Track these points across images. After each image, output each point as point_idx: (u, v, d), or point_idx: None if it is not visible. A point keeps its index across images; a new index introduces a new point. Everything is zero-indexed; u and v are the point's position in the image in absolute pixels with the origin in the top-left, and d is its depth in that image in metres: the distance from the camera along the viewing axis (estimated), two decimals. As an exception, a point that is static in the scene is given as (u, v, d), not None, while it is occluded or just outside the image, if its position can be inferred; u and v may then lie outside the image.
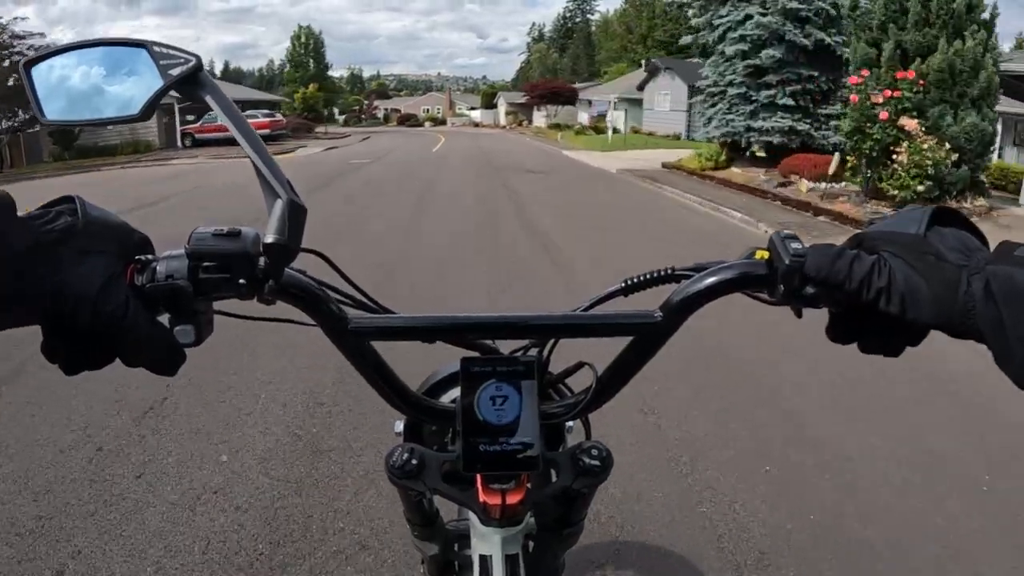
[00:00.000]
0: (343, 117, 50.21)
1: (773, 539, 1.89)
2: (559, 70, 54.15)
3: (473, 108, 57.50)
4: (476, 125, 50.21)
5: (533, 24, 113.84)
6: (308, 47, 53.13)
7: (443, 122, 56.00)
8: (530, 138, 28.43)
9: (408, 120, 61.24)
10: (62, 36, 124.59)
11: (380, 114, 63.62)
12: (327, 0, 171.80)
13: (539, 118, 40.74)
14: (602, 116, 26.10)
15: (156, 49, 0.45)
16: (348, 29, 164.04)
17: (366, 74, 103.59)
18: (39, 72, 0.47)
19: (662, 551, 1.85)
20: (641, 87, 27.17)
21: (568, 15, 67.94)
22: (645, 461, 2.28)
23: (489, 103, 51.92)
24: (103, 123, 0.47)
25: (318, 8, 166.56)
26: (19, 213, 0.37)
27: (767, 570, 1.76)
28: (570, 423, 0.59)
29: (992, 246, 0.40)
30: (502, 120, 46.28)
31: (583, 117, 32.11)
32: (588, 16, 64.69)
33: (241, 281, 0.43)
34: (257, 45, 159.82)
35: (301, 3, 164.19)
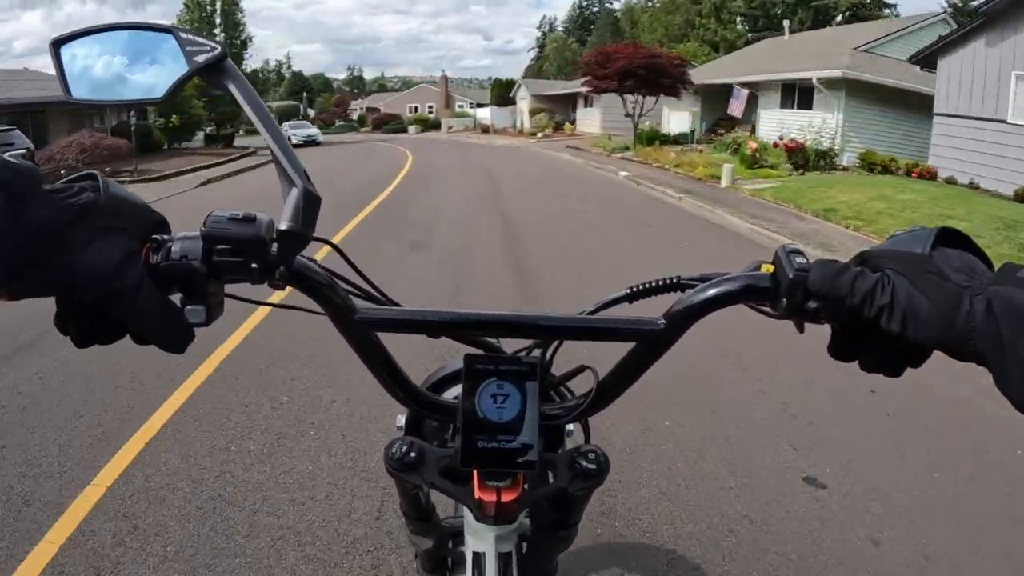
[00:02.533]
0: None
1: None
2: (581, 63, 41.02)
3: (480, 104, 48.97)
4: (485, 131, 39.96)
5: (544, 17, 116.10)
6: (212, 12, 33.24)
7: (436, 125, 47.27)
8: (630, 178, 13.95)
9: (387, 123, 51.88)
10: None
11: (355, 115, 56.55)
12: (333, 3, 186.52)
13: (589, 118, 31.90)
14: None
15: (183, 36, 0.51)
16: (354, 32, 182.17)
17: (369, 76, 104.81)
18: (68, 51, 0.52)
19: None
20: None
21: (584, 4, 68.20)
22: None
23: (503, 97, 43.49)
24: (129, 104, 0.53)
25: (324, 11, 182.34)
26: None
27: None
28: (570, 426, 0.65)
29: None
30: (526, 123, 37.07)
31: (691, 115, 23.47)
32: (606, 3, 65.83)
33: (253, 265, 0.47)
34: (263, 48, 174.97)
35: (307, 6, 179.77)
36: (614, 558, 2.05)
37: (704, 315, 0.54)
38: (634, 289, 0.60)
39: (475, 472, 0.57)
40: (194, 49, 0.49)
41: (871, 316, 0.46)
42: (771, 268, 0.52)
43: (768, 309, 0.53)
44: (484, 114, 41.51)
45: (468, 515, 0.62)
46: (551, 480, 0.60)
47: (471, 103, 49.56)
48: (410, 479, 0.58)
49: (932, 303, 0.44)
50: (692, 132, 21.24)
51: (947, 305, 0.43)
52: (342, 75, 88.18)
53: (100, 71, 0.51)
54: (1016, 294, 0.41)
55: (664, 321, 0.55)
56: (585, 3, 66.88)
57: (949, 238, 0.48)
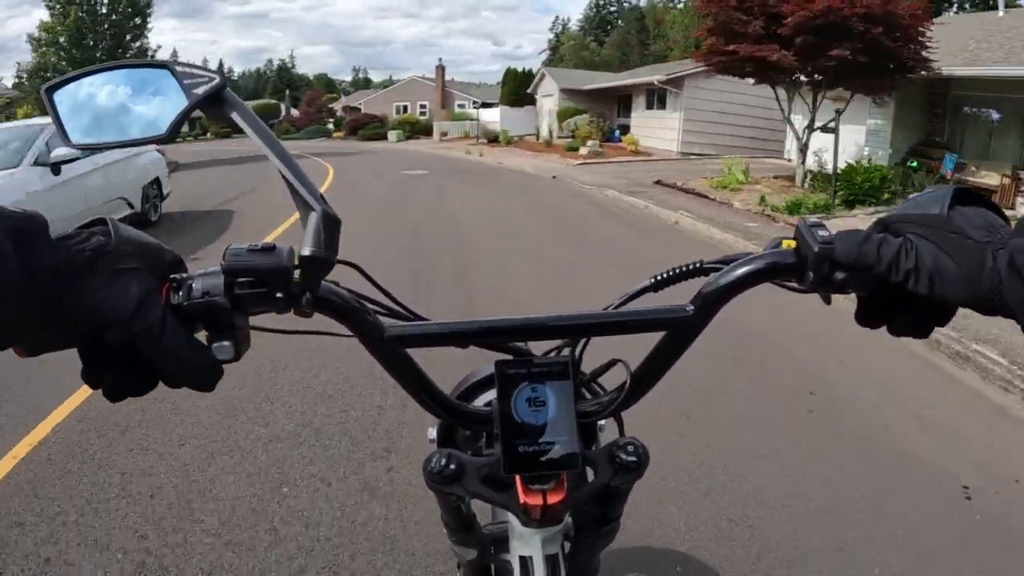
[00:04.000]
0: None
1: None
2: (601, 64, 43.96)
3: (486, 104, 37.09)
4: (493, 140, 27.65)
5: (556, 18, 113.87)
6: None
7: (426, 130, 35.50)
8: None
9: (364, 126, 39.14)
10: None
11: (337, 116, 45.92)
12: (343, 5, 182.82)
13: (656, 125, 22.16)
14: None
15: (179, 69, 0.50)
16: (364, 34, 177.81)
17: (377, 79, 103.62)
18: (62, 96, 0.51)
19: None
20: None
21: (602, 2, 64.32)
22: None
23: (518, 94, 31.88)
24: (130, 144, 0.52)
25: (334, 13, 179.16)
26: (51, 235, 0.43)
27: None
28: (601, 422, 0.65)
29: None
30: (552, 129, 25.44)
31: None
32: (624, 2, 61.27)
33: (278, 295, 0.47)
34: (274, 49, 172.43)
35: (317, 9, 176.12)
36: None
37: (732, 296, 0.55)
38: (658, 278, 0.61)
39: (517, 477, 0.56)
40: (192, 82, 0.49)
41: (898, 281, 0.47)
42: (793, 244, 0.52)
43: (795, 285, 0.54)
44: (491, 116, 30.66)
45: (513, 520, 0.63)
46: (590, 477, 0.60)
47: (474, 102, 38.55)
48: (452, 491, 0.58)
49: (956, 262, 0.45)
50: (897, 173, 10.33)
51: (971, 263, 0.45)
52: (348, 77, 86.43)
53: (98, 113, 0.51)
54: None
55: (693, 307, 0.56)
56: (602, 2, 64.35)
57: (964, 197, 0.49)
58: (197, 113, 0.50)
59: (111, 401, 0.47)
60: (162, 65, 0.51)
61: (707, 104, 19.52)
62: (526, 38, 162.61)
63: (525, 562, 0.63)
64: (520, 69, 33.64)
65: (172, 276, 0.47)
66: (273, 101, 53.98)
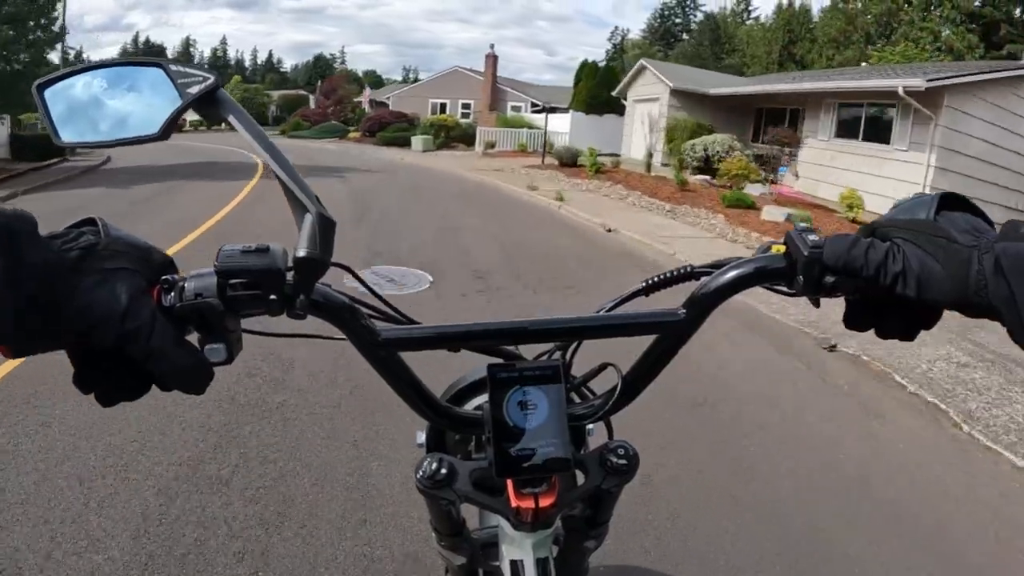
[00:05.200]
0: None
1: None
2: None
3: (550, 109, 25.80)
4: (563, 164, 17.15)
5: (615, 28, 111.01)
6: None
7: (467, 137, 25.90)
8: None
9: (387, 126, 30.19)
10: (138, 20, 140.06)
11: (363, 108, 37.57)
12: (399, 6, 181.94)
13: (886, 162, 14.18)
14: None
15: (172, 68, 0.49)
16: (417, 36, 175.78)
17: (425, 79, 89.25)
18: (52, 94, 0.50)
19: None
20: None
21: (667, 12, 61.94)
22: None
23: (598, 98, 23.76)
24: (121, 143, 0.50)
25: (389, 13, 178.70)
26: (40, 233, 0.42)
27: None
28: (590, 425, 0.65)
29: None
30: (657, 149, 16.66)
31: None
32: (690, 14, 60.15)
33: (272, 297, 0.46)
34: (327, 45, 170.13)
35: (372, 7, 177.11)
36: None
37: (723, 300, 0.56)
38: (649, 282, 0.61)
39: (509, 481, 0.57)
40: (186, 81, 0.48)
41: (886, 284, 0.47)
42: (783, 248, 0.53)
43: (784, 288, 0.54)
44: (558, 124, 22.03)
45: (504, 524, 0.62)
46: (580, 480, 0.61)
47: (534, 105, 29.70)
48: (444, 496, 0.58)
49: (943, 266, 0.46)
50: None
51: (957, 266, 0.45)
52: (399, 76, 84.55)
53: (89, 112, 0.50)
54: (1022, 248, 0.43)
55: (685, 310, 0.56)
56: (667, 12, 62.19)
57: (950, 202, 0.50)
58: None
59: (104, 405, 0.47)
60: (155, 64, 0.50)
61: (976, 134, 10.44)
62: (579, 50, 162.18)
63: (516, 566, 0.62)
64: (606, 61, 24.82)
65: (163, 277, 0.46)
66: (303, 92, 46.73)
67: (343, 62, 76.74)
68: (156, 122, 0.49)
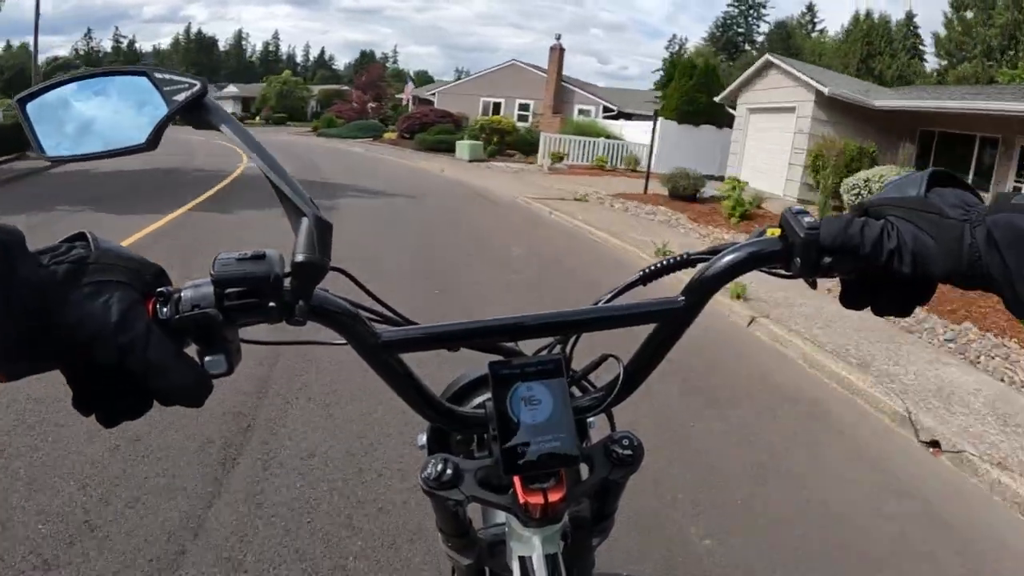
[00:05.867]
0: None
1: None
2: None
3: (625, 115, 23.76)
4: (676, 196, 11.60)
5: (674, 36, 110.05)
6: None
7: (526, 146, 20.27)
8: None
9: (427, 127, 24.83)
10: (196, 13, 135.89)
11: (405, 101, 33.75)
12: (454, 10, 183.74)
13: None
14: None
15: (158, 76, 0.49)
16: (470, 40, 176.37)
17: (477, 74, 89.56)
18: (35, 108, 0.49)
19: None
20: None
21: (729, 20, 59.21)
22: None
23: (694, 105, 18.62)
24: (108, 155, 0.50)
25: (443, 16, 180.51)
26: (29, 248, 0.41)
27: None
28: (592, 418, 0.65)
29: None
30: (786, 177, 13.30)
31: None
32: (753, 24, 58.65)
33: (271, 305, 0.46)
34: (381, 44, 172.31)
35: (428, 10, 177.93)
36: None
37: (722, 285, 0.56)
38: (647, 271, 0.61)
39: (516, 477, 0.56)
40: (172, 88, 0.48)
41: (883, 262, 0.48)
42: (778, 231, 0.53)
43: (782, 271, 0.54)
44: (639, 134, 17.18)
45: (511, 521, 0.62)
46: (585, 473, 0.61)
47: (606, 108, 24.62)
48: (451, 496, 0.57)
49: (936, 241, 0.47)
50: None
51: (950, 240, 0.46)
52: (450, 78, 78.03)
53: (74, 124, 0.49)
54: (1013, 219, 0.44)
55: (684, 297, 0.56)
56: (729, 21, 59.77)
57: (940, 178, 0.50)
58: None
59: (106, 426, 0.45)
60: (140, 72, 0.49)
61: None
62: (632, 59, 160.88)
63: (525, 563, 0.62)
64: (655, 72, 20.91)
65: (158, 290, 0.45)
66: (345, 88, 42.74)
67: (395, 61, 74.36)
68: (143, 132, 0.48)
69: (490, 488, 0.58)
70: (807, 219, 0.51)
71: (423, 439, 0.68)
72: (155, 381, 0.43)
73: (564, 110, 24.37)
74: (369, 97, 32.87)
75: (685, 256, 0.60)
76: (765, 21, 60.01)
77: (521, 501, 0.55)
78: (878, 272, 0.49)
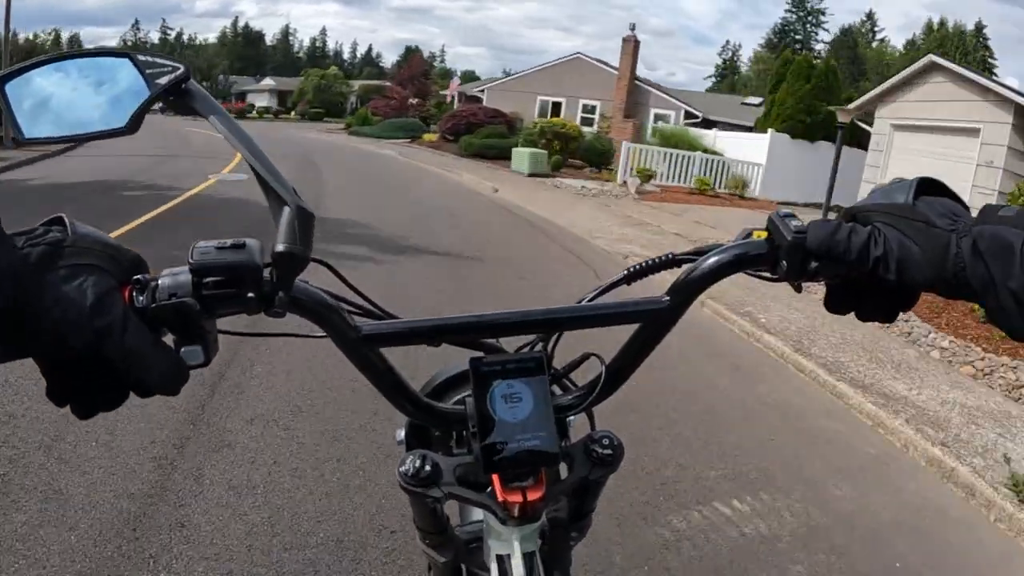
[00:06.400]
0: None
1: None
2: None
3: (708, 124, 19.13)
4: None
5: (728, 42, 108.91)
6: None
7: (594, 156, 16.37)
8: None
9: (475, 129, 20.52)
10: (246, 9, 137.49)
11: (450, 98, 29.78)
12: (503, 11, 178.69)
13: None
14: None
15: (140, 58, 0.48)
16: (518, 42, 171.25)
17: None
18: (14, 88, 0.48)
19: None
20: None
21: (787, 26, 59.45)
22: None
23: (812, 115, 14.65)
24: (89, 138, 0.49)
25: (493, 18, 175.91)
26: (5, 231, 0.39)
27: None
28: (571, 417, 0.64)
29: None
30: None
31: None
32: (811, 31, 57.76)
33: (250, 295, 0.45)
34: (429, 44, 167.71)
35: (477, 11, 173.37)
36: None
37: (707, 287, 0.55)
38: (631, 270, 0.60)
39: (495, 475, 0.55)
40: (154, 71, 0.47)
41: (868, 268, 0.48)
42: (764, 234, 0.53)
43: (767, 274, 0.54)
44: (739, 147, 13.67)
45: (489, 519, 0.61)
46: (564, 472, 0.60)
47: (689, 114, 20.38)
48: (429, 493, 0.56)
49: (922, 249, 0.47)
50: None
51: (936, 249, 0.46)
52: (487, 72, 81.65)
53: (54, 105, 0.48)
54: (998, 231, 0.44)
55: (668, 298, 0.56)
56: (787, 27, 60.67)
57: (927, 186, 0.50)
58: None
59: (81, 418, 0.44)
60: (122, 54, 0.49)
61: None
62: (679, 66, 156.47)
63: (503, 561, 0.61)
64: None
65: (135, 277, 0.44)
66: (388, 84, 39.67)
67: (442, 61, 72.11)
68: (124, 115, 0.47)
69: (469, 485, 0.57)
70: (794, 223, 0.51)
71: (401, 434, 0.66)
72: (133, 368, 0.42)
73: (638, 114, 20.35)
74: (410, 92, 29.13)
75: (670, 256, 0.59)
76: (824, 28, 58.60)
77: (500, 499, 0.55)
78: (863, 278, 0.50)
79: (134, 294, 0.43)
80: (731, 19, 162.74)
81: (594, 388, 0.58)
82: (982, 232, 0.45)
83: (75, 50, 0.50)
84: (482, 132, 17.95)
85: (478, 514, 0.65)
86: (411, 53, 49.12)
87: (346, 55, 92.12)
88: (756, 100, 25.05)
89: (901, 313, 0.53)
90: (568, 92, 21.97)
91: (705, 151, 14.60)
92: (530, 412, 0.54)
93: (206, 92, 0.48)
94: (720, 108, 21.98)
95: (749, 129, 18.29)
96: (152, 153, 12.50)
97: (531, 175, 13.68)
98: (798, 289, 0.54)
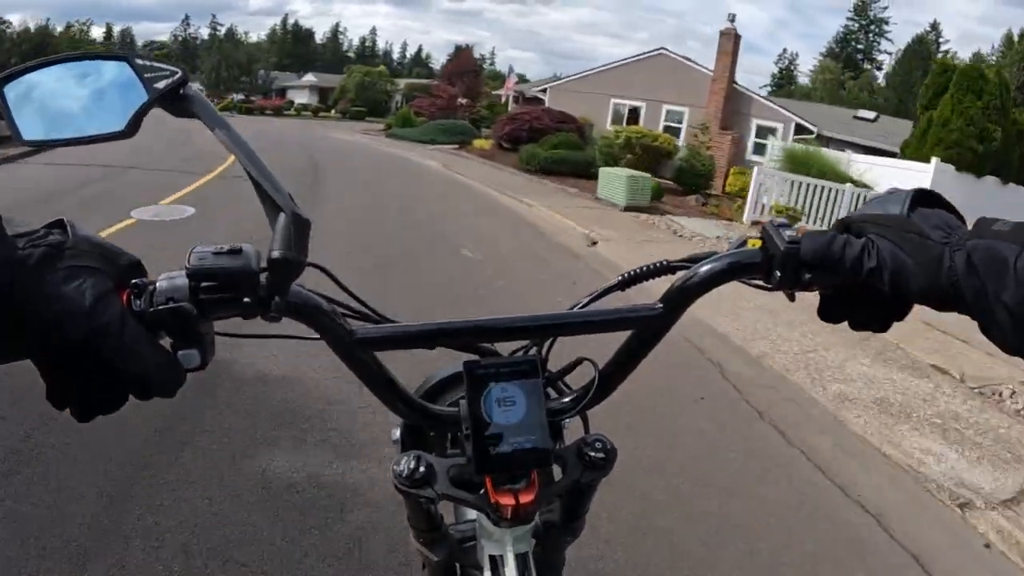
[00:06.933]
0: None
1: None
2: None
3: (835, 145, 15.52)
4: None
5: (784, 50, 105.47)
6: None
7: (694, 178, 13.68)
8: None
9: (539, 136, 16.80)
10: (299, 8, 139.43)
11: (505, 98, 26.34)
12: (553, 16, 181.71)
13: None
14: None
15: (138, 62, 0.49)
16: (567, 47, 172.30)
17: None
18: (13, 90, 0.48)
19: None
20: None
21: (849, 35, 57.57)
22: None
23: (988, 143, 11.29)
24: (86, 141, 0.49)
25: (542, 22, 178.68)
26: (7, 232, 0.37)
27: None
28: (565, 420, 0.65)
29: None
30: None
31: None
32: (874, 41, 56.65)
33: (246, 300, 0.46)
34: (480, 47, 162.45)
35: (527, 15, 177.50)
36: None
37: (701, 295, 0.55)
38: (626, 276, 0.60)
39: (488, 477, 0.56)
40: (152, 76, 0.48)
41: (861, 280, 0.48)
42: (758, 243, 0.53)
43: (761, 283, 0.54)
44: (906, 182, 8.92)
45: (482, 520, 0.62)
46: (557, 475, 0.61)
47: (798, 127, 16.46)
48: (423, 494, 0.57)
49: (916, 262, 0.46)
50: None
51: (930, 262, 0.46)
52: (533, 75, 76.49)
53: (52, 108, 0.49)
54: (993, 245, 0.44)
55: (662, 305, 0.56)
56: (849, 36, 58.77)
57: (923, 198, 0.50)
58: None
59: (81, 420, 0.45)
60: (121, 58, 0.49)
61: None
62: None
63: (495, 562, 0.62)
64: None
65: (133, 281, 0.45)
66: (435, 83, 36.90)
67: (492, 63, 69.64)
68: (122, 118, 0.47)
69: (462, 486, 0.57)
70: (788, 232, 0.51)
71: (396, 434, 0.67)
72: (129, 368, 0.42)
73: (736, 125, 16.60)
74: (459, 91, 25.80)
75: (665, 263, 0.59)
76: (887, 38, 56.57)
77: (492, 501, 0.55)
78: (857, 288, 0.50)
79: (132, 298, 0.44)
80: (782, 28, 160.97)
81: (587, 392, 0.59)
82: (976, 246, 0.45)
83: (73, 52, 0.50)
84: (549, 141, 14.42)
85: (473, 513, 0.66)
86: (460, 50, 46.00)
87: (396, 55, 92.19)
88: (870, 115, 20.99)
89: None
90: (648, 95, 18.15)
91: (853, 183, 10.85)
92: (523, 415, 0.54)
93: (204, 97, 0.48)
94: (830, 122, 18.08)
95: (875, 151, 14.45)
96: (111, 163, 9.40)
97: (627, 209, 9.94)
98: (791, 298, 0.54)
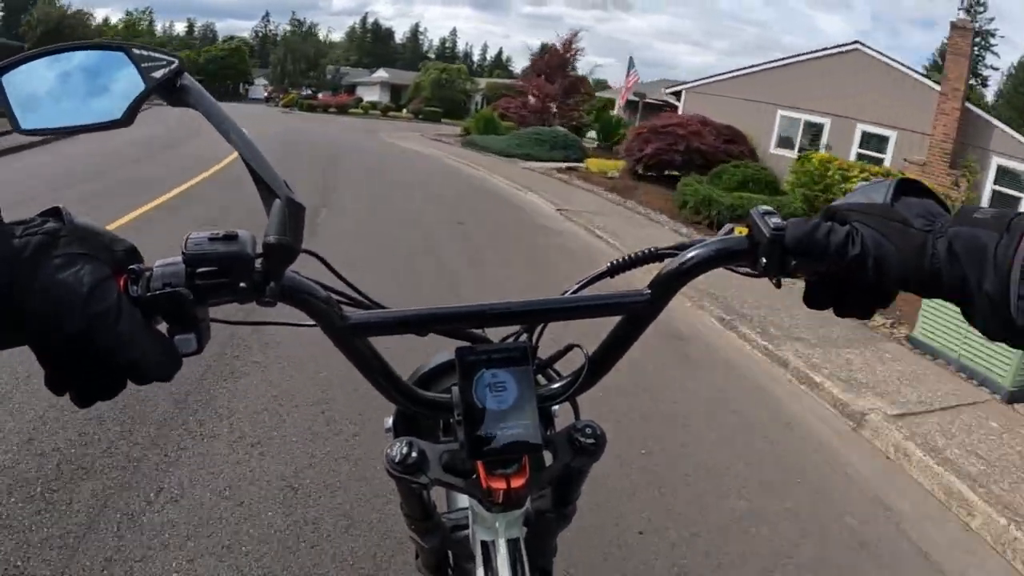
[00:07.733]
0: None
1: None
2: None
3: None
4: None
5: None
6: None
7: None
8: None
9: (700, 162, 12.27)
10: (381, 10, 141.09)
11: (613, 115, 22.33)
12: (633, 23, 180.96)
13: None
14: None
15: (136, 52, 0.49)
16: (648, 54, 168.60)
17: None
18: (11, 79, 0.49)
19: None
20: None
21: (942, 46, 50.34)
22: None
23: None
24: (85, 130, 0.50)
25: (623, 29, 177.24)
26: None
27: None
28: (554, 407, 0.66)
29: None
30: None
31: None
32: (978, 54, 48.92)
33: (241, 285, 0.46)
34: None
35: (607, 21, 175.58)
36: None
37: (688, 280, 0.56)
38: (615, 263, 0.61)
39: (479, 463, 0.57)
40: (150, 65, 0.48)
41: (845, 267, 0.49)
42: (745, 231, 0.54)
43: (748, 269, 0.55)
44: None
45: (474, 506, 0.62)
46: (548, 460, 0.61)
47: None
48: (415, 480, 0.58)
49: (899, 249, 0.47)
50: None
51: (912, 250, 0.47)
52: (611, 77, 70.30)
53: (50, 98, 0.49)
54: (974, 233, 0.45)
55: (650, 291, 0.57)
56: (942, 45, 53.87)
57: (907, 187, 0.51)
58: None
59: (80, 406, 0.45)
60: (118, 47, 0.49)
61: None
62: None
63: (487, 547, 0.62)
64: None
65: (130, 267, 0.46)
66: (520, 82, 33.04)
67: (572, 69, 65.68)
68: (119, 107, 0.47)
69: (454, 472, 0.58)
70: (774, 220, 0.51)
71: (389, 422, 0.68)
72: (127, 354, 0.42)
73: (974, 147, 11.50)
74: (557, 90, 21.03)
75: (653, 250, 0.59)
76: (993, 52, 53.71)
77: (484, 486, 0.56)
78: (841, 275, 0.51)
79: (129, 283, 0.45)
80: (865, 38, 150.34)
81: (577, 378, 0.60)
82: (958, 233, 0.45)
83: (72, 43, 0.50)
84: (725, 171, 9.74)
85: (464, 501, 0.66)
86: (545, 50, 41.36)
87: (475, 57, 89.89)
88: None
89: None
90: (834, 109, 12.94)
91: None
92: (514, 401, 0.55)
93: (200, 87, 0.48)
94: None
95: None
96: (85, 165, 8.39)
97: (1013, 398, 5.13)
98: (778, 285, 0.54)
